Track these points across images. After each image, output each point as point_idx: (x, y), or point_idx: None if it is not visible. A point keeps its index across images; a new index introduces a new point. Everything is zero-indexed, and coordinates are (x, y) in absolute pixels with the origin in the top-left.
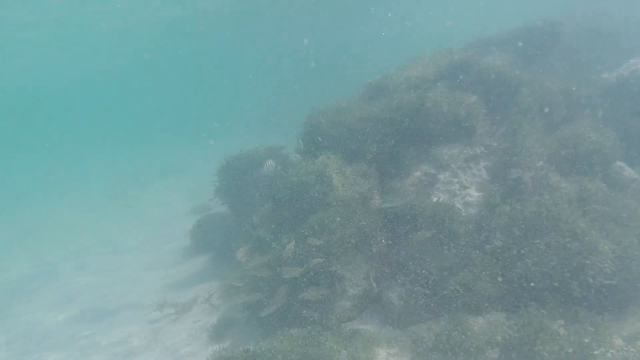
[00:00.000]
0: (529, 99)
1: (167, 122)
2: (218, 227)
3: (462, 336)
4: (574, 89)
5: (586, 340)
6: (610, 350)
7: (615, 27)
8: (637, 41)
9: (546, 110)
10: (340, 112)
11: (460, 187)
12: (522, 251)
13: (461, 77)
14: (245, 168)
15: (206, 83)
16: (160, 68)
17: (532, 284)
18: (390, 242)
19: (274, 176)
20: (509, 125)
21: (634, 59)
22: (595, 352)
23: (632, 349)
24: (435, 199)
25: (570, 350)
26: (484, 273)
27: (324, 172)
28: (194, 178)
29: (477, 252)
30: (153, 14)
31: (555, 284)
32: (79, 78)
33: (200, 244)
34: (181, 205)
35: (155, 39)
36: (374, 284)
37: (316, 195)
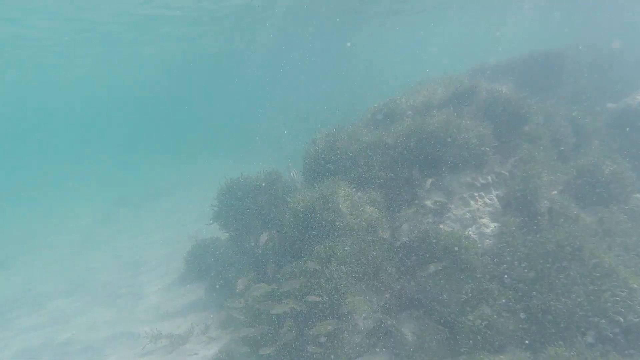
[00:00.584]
0: (539, 127)
1: (156, 142)
2: (214, 254)
3: None
4: (584, 119)
5: None
6: None
7: (616, 59)
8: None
9: (557, 139)
10: (345, 137)
11: (471, 216)
12: (546, 286)
13: (468, 103)
14: (245, 193)
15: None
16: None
17: (557, 321)
18: (401, 273)
19: (276, 203)
20: (520, 153)
21: None
22: None
23: None
24: (446, 229)
25: None
26: (504, 308)
27: (330, 199)
28: (185, 201)
29: (496, 285)
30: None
31: (582, 321)
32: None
33: (195, 270)
34: (174, 229)
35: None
36: (385, 318)
37: (323, 222)
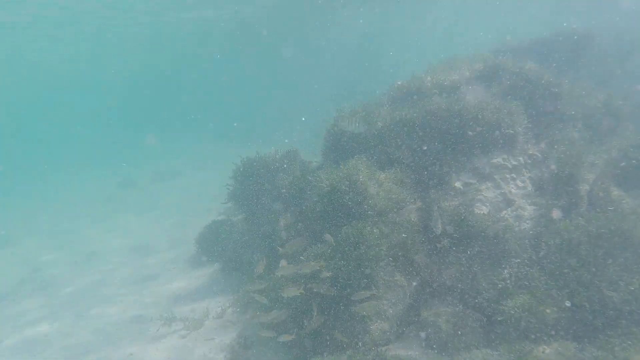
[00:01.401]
0: (571, 108)
1: (161, 123)
2: (228, 235)
3: None
4: (617, 100)
5: None
6: None
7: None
8: None
9: (591, 120)
10: (370, 114)
11: (504, 199)
12: (592, 273)
13: (496, 81)
14: (262, 172)
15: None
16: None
17: (606, 311)
18: (432, 257)
19: (297, 183)
20: (553, 134)
21: None
22: None
23: None
24: (478, 212)
25: None
26: (546, 295)
27: (357, 179)
28: (195, 181)
29: (536, 271)
30: (140, 18)
31: (637, 313)
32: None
33: (208, 252)
34: (184, 209)
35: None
36: (417, 304)
37: (349, 203)
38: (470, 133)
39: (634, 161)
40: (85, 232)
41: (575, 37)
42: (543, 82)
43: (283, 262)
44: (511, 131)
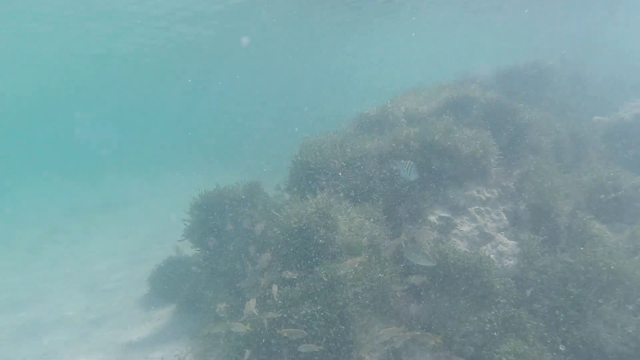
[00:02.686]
0: (540, 138)
1: (109, 154)
2: (185, 274)
3: None
4: (581, 130)
5: None
6: None
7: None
8: (614, 87)
9: (558, 150)
10: (337, 145)
11: (480, 233)
12: (584, 313)
13: (465, 111)
14: (222, 207)
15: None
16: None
17: (605, 355)
18: (411, 296)
19: (258, 219)
20: (526, 165)
21: (633, 102)
22: None
23: None
24: (457, 248)
25: None
26: (538, 340)
27: (327, 214)
28: (151, 212)
29: (524, 312)
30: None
31: (637, 356)
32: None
33: (162, 292)
34: (137, 245)
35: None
36: (397, 351)
37: (320, 241)
38: (444, 164)
39: (612, 194)
40: (24, 267)
41: (536, 70)
42: (512, 112)
43: (250, 303)
44: (484, 162)
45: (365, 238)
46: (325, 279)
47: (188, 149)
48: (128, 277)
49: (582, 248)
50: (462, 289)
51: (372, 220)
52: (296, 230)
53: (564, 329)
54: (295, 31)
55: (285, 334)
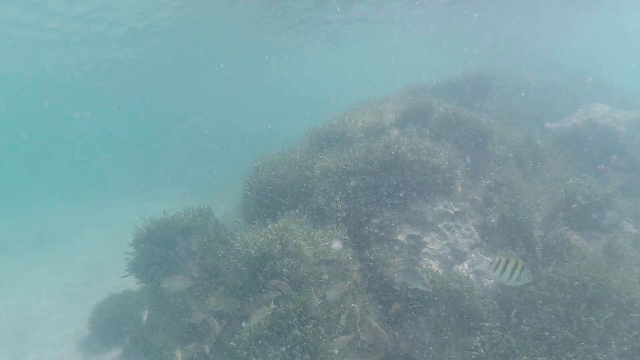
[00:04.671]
0: (503, 148)
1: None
2: (130, 313)
3: None
4: (537, 139)
5: None
6: None
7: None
8: (560, 95)
9: (519, 159)
10: (294, 164)
11: (451, 250)
12: (576, 333)
13: (424, 123)
14: (169, 237)
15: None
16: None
17: None
18: (386, 326)
19: (210, 247)
20: (494, 176)
21: (582, 108)
22: None
23: None
24: (430, 268)
25: None
26: None
27: (289, 240)
28: (79, 247)
29: (512, 336)
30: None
31: None
32: None
33: (105, 335)
34: (74, 279)
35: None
36: None
37: (284, 270)
38: (409, 179)
39: (584, 202)
40: None
41: (484, 79)
42: (473, 122)
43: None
44: (450, 175)
45: (333, 265)
46: (294, 314)
47: (130, 170)
48: (65, 320)
49: (564, 262)
50: (443, 314)
51: (338, 243)
52: (256, 259)
53: (556, 351)
54: (235, 46)
55: None
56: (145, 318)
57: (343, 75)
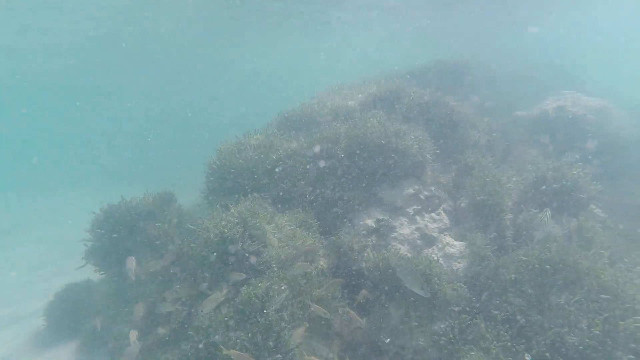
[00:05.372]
0: (474, 133)
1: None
2: (89, 303)
3: None
4: (507, 125)
5: None
6: None
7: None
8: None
9: (490, 145)
10: (260, 147)
11: (421, 235)
12: (547, 317)
13: (395, 106)
14: (130, 222)
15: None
16: None
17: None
18: (356, 313)
19: (170, 233)
20: (464, 160)
21: (552, 96)
22: None
23: None
24: (399, 253)
25: None
26: (502, 350)
27: (252, 223)
28: (46, 234)
29: (483, 321)
30: None
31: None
32: None
33: (61, 326)
34: (28, 270)
35: None
36: None
37: (246, 255)
38: (378, 163)
39: (555, 185)
40: None
41: (457, 66)
42: (443, 105)
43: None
44: (420, 158)
45: (297, 249)
46: (257, 301)
47: (90, 163)
48: (18, 313)
49: (534, 245)
50: (411, 299)
51: (304, 227)
52: (217, 243)
53: (527, 334)
54: (204, 32)
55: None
56: (99, 326)
57: (322, 63)
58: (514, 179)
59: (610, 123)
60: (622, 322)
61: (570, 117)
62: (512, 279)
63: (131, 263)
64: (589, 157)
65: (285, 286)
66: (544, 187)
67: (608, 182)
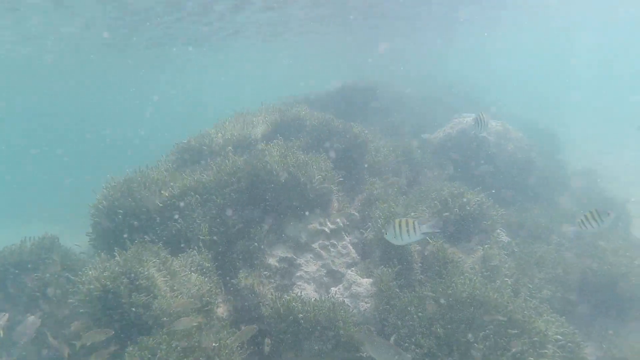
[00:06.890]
0: (379, 159)
1: None
2: None
3: None
4: (414, 150)
5: None
6: None
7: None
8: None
9: (396, 171)
10: (151, 184)
11: (328, 272)
12: (456, 357)
13: (296, 134)
14: (3, 273)
15: None
16: None
17: None
18: None
19: (54, 284)
20: (369, 189)
21: (455, 119)
22: None
23: None
24: (299, 293)
25: None
26: None
27: (140, 272)
28: None
29: None
30: None
31: None
32: None
33: None
34: None
35: None
36: None
37: (133, 309)
38: (279, 195)
39: (456, 209)
40: None
41: (365, 90)
42: (347, 132)
43: None
44: (324, 189)
45: (193, 297)
46: None
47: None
48: None
49: (442, 278)
50: (316, 347)
51: (200, 271)
52: (98, 298)
53: None
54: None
55: None
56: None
57: (226, 89)
58: (420, 207)
59: (509, 143)
60: (531, 359)
61: (472, 139)
62: (421, 317)
63: (1, 319)
64: (489, 180)
65: (177, 343)
66: (446, 213)
67: (509, 203)
